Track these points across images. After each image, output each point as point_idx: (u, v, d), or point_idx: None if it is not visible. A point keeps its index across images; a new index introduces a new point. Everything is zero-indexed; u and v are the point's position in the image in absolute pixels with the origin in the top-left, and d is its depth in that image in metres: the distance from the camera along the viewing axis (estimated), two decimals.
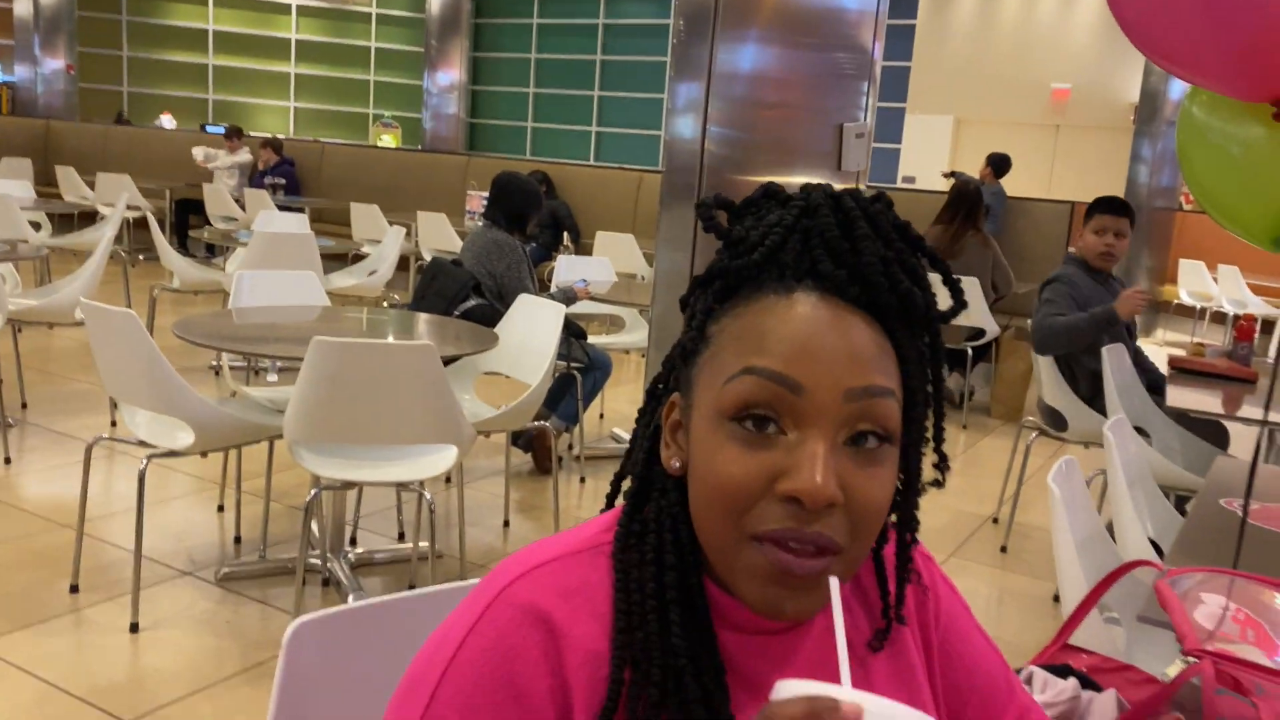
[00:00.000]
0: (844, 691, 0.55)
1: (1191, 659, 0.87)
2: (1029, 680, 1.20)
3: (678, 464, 0.71)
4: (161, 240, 5.24)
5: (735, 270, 0.68)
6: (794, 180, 2.24)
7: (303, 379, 2.37)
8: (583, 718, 0.66)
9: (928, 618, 0.80)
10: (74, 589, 2.79)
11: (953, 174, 8.81)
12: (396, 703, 0.70)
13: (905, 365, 0.67)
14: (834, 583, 0.64)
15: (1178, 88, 8.18)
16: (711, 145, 2.59)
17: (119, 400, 2.74)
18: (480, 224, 4.00)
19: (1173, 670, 0.87)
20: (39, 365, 5.06)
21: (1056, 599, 3.25)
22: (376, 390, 2.37)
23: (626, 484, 0.78)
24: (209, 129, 11.86)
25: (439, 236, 6.58)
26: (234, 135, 9.11)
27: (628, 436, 4.02)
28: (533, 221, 3.98)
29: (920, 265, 0.70)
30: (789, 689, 0.57)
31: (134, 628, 2.62)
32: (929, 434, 0.72)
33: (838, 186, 0.71)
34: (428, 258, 6.50)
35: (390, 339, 2.99)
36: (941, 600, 0.82)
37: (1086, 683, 1.21)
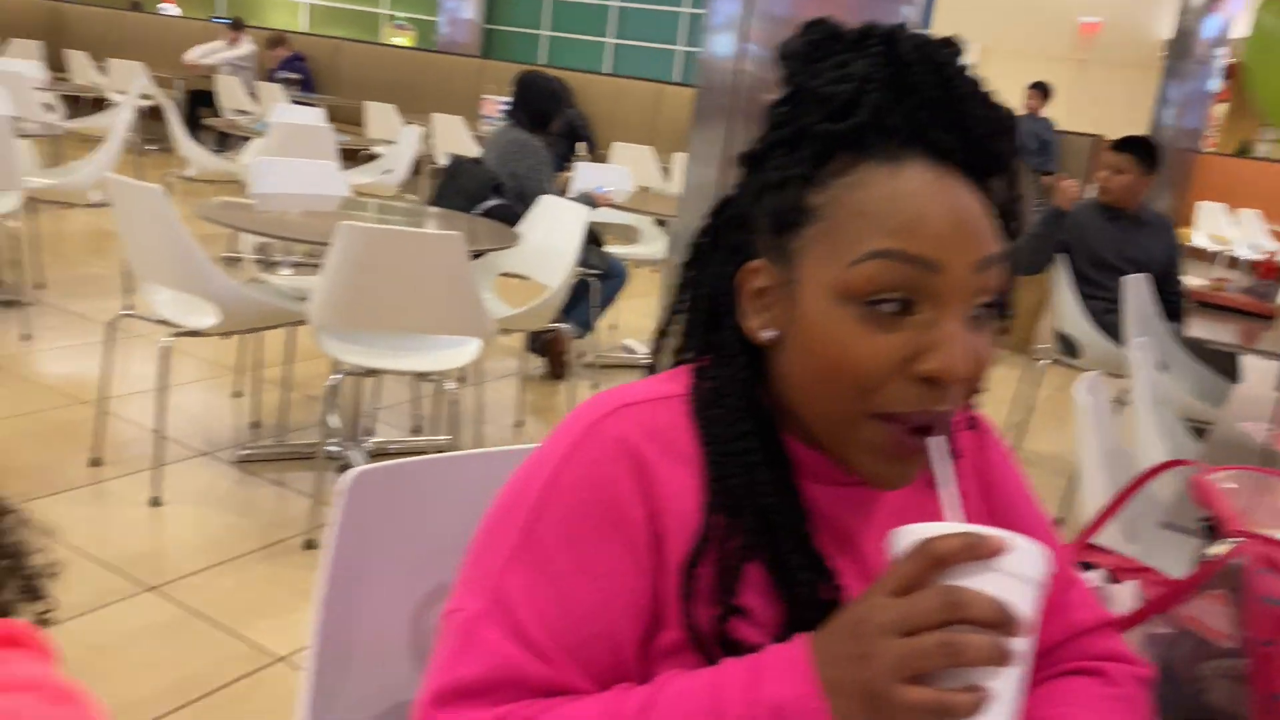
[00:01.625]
0: (974, 527, 0.58)
1: (1234, 541, 0.89)
2: None
3: (770, 333, 0.71)
4: (178, 128, 5.18)
5: (835, 136, 0.66)
6: None
7: (330, 264, 2.37)
8: (673, 552, 0.68)
9: (984, 462, 0.82)
10: (95, 462, 2.83)
11: None
12: (487, 534, 0.71)
13: (1006, 224, 0.68)
14: (938, 441, 0.66)
15: (1211, 26, 8.01)
16: (749, 65, 2.55)
17: (144, 278, 2.74)
18: (501, 124, 3.95)
19: (1215, 551, 0.89)
20: (53, 247, 5.04)
21: (1059, 522, 3.30)
22: (403, 278, 2.37)
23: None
24: (216, 20, 11.62)
25: (455, 139, 6.51)
26: (235, 28, 8.91)
27: (640, 348, 4.06)
28: (555, 122, 3.93)
29: (1012, 119, 0.69)
30: (911, 533, 0.59)
31: (154, 502, 2.66)
32: None
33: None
34: (441, 160, 6.44)
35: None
36: (994, 450, 0.84)
37: (1108, 579, 1.24)
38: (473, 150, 6.09)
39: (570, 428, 0.72)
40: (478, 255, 2.81)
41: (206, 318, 2.66)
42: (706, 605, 0.67)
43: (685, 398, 0.73)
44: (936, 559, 0.58)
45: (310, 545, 2.55)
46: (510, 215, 3.46)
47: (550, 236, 3.22)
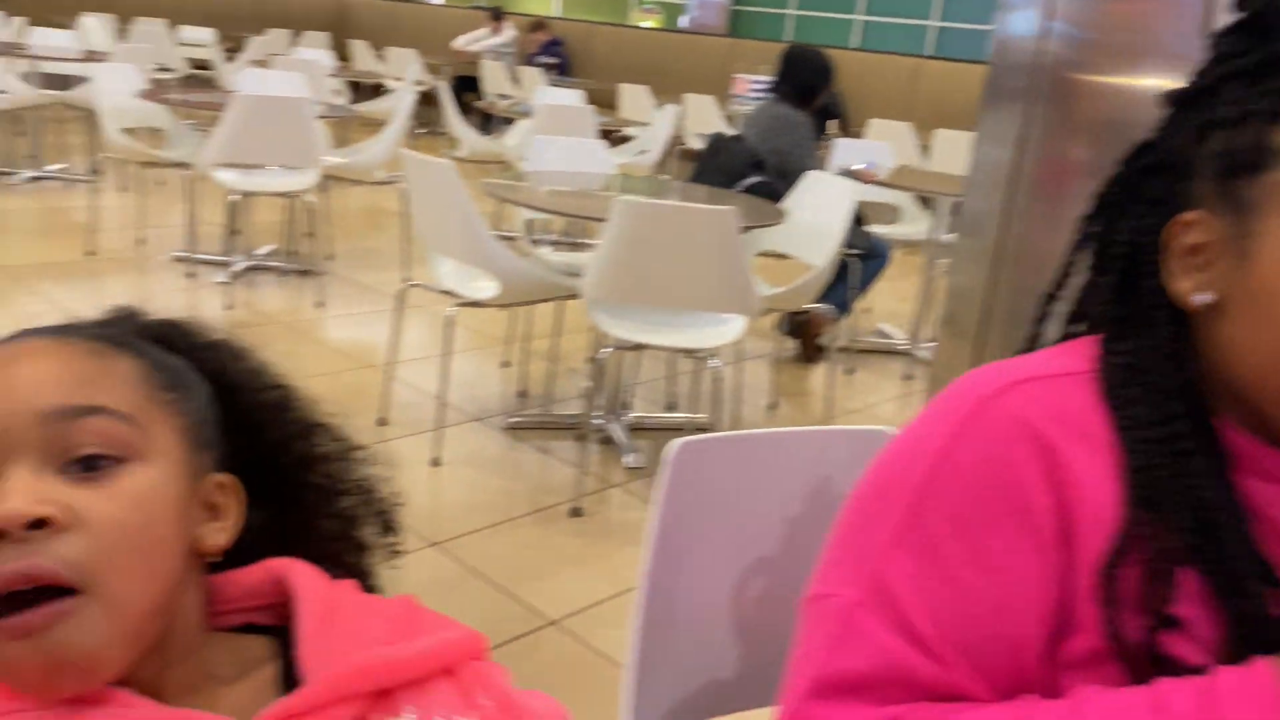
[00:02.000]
0: None
1: None
2: None
3: (1205, 297, 0.61)
4: (451, 110, 5.47)
5: None
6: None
7: (605, 239, 2.40)
8: (1085, 549, 0.60)
9: None
10: (381, 422, 3.03)
11: None
12: (860, 515, 0.66)
13: None
14: None
15: None
16: (1054, 44, 2.36)
17: (431, 249, 2.90)
18: (761, 100, 3.89)
19: None
20: (340, 222, 5.47)
21: None
22: (675, 253, 2.37)
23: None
24: (477, 8, 12.23)
25: (706, 119, 6.52)
26: (496, 16, 9.33)
27: (896, 333, 3.89)
28: (819, 98, 3.83)
29: None
30: None
31: (435, 462, 2.82)
32: None
33: None
34: (692, 141, 6.47)
35: None
36: None
37: None
38: (724, 128, 6.07)
39: (955, 403, 0.65)
40: (744, 232, 2.78)
41: (487, 290, 2.78)
42: (1132, 613, 0.59)
43: (1091, 374, 0.64)
44: None
45: (576, 513, 2.61)
46: (772, 193, 3.40)
47: (817, 213, 3.14)
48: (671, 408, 3.46)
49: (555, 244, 5.05)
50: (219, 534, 0.61)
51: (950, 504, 0.62)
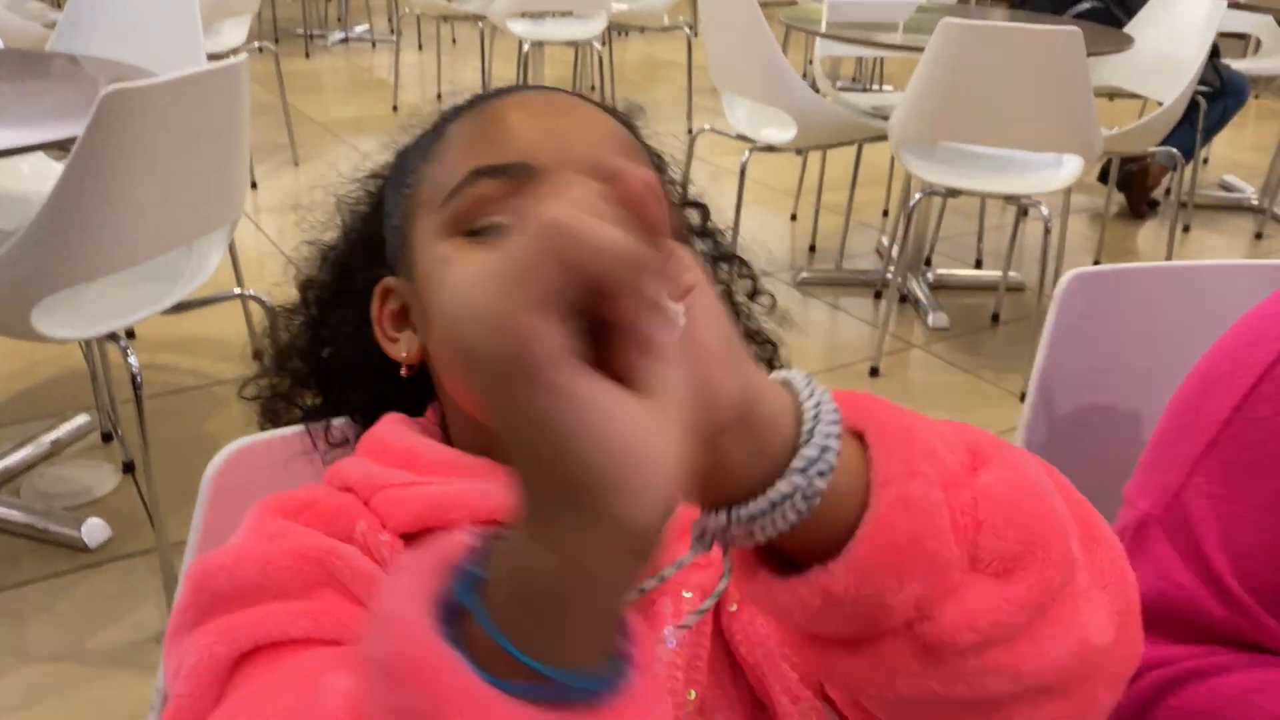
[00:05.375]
0: None
1: None
2: None
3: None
4: None
5: None
6: None
7: (923, 68, 2.15)
8: None
9: None
10: None
11: None
12: (1179, 413, 0.53)
13: None
14: None
15: None
16: None
17: (725, 88, 2.74)
18: None
19: None
20: (620, 75, 5.42)
21: None
22: (1009, 83, 2.09)
23: None
24: None
25: None
26: None
27: (1244, 186, 3.37)
28: None
29: None
30: None
31: None
32: None
33: None
34: None
35: None
36: None
37: None
38: None
39: None
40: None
41: (784, 132, 2.61)
42: None
43: None
44: None
45: (875, 373, 2.46)
46: (1109, 19, 2.95)
47: (1167, 42, 2.69)
48: (979, 265, 3.18)
49: (843, 90, 4.74)
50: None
51: (1277, 420, 0.47)
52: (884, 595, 0.33)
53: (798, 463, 0.33)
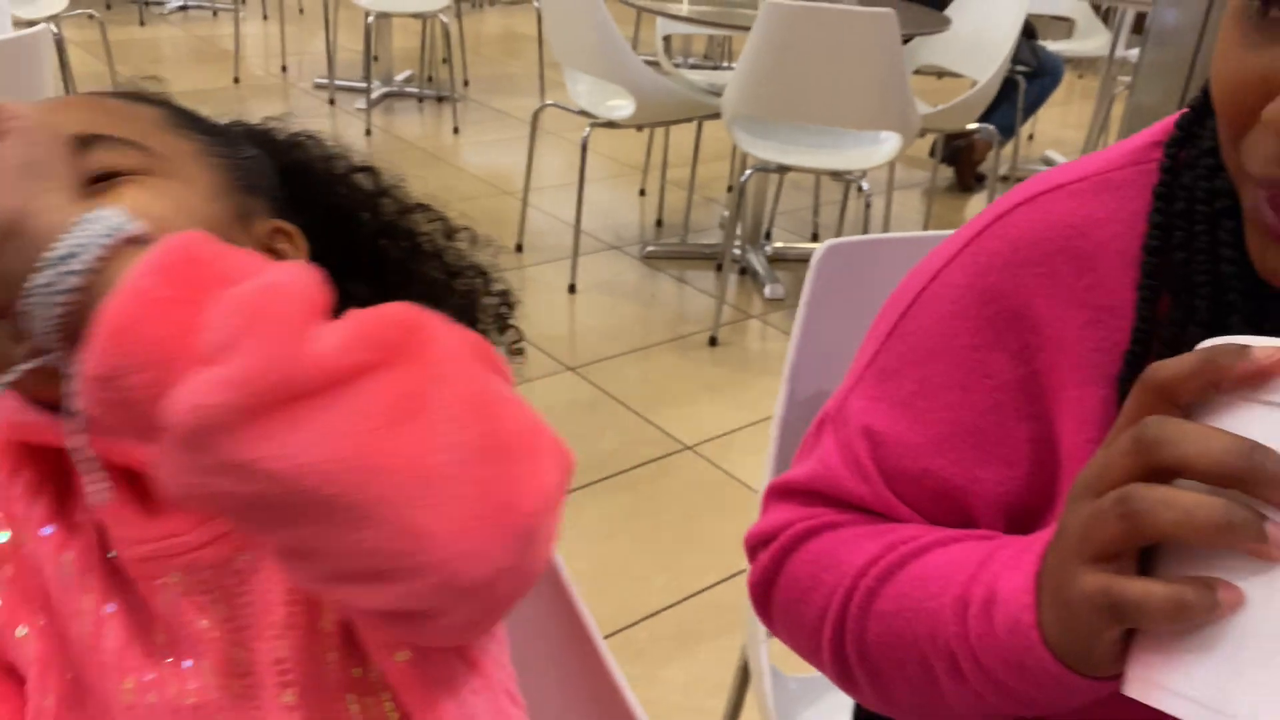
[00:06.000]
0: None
1: None
2: None
3: None
4: None
5: None
6: None
7: (750, 47, 2.23)
8: (1075, 364, 0.53)
9: None
10: (519, 248, 3.00)
11: None
12: (869, 334, 0.63)
13: None
14: None
15: None
16: None
17: (565, 64, 2.77)
18: None
19: None
20: (474, 48, 5.37)
21: None
22: (827, 62, 2.18)
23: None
24: None
25: None
26: None
27: (1061, 159, 3.57)
28: None
29: None
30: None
31: (571, 289, 2.78)
32: None
33: None
34: None
35: None
36: None
37: None
38: None
39: (978, 218, 0.58)
40: (907, 39, 2.54)
41: (623, 108, 2.65)
42: None
43: (1137, 170, 0.54)
44: (1158, 386, 0.39)
45: (713, 342, 2.54)
46: (933, 0, 3.09)
47: (982, 23, 2.84)
48: (815, 239, 3.31)
49: (694, 68, 4.82)
50: None
51: (921, 328, 0.57)
52: (124, 378, 0.37)
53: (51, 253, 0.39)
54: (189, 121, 0.60)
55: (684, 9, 2.77)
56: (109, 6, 5.32)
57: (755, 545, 0.61)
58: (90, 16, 3.64)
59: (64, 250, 0.39)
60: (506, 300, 0.67)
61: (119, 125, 0.54)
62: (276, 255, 0.59)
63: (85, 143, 0.51)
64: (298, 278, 0.40)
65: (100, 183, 0.51)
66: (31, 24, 2.74)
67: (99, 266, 0.39)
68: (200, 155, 0.57)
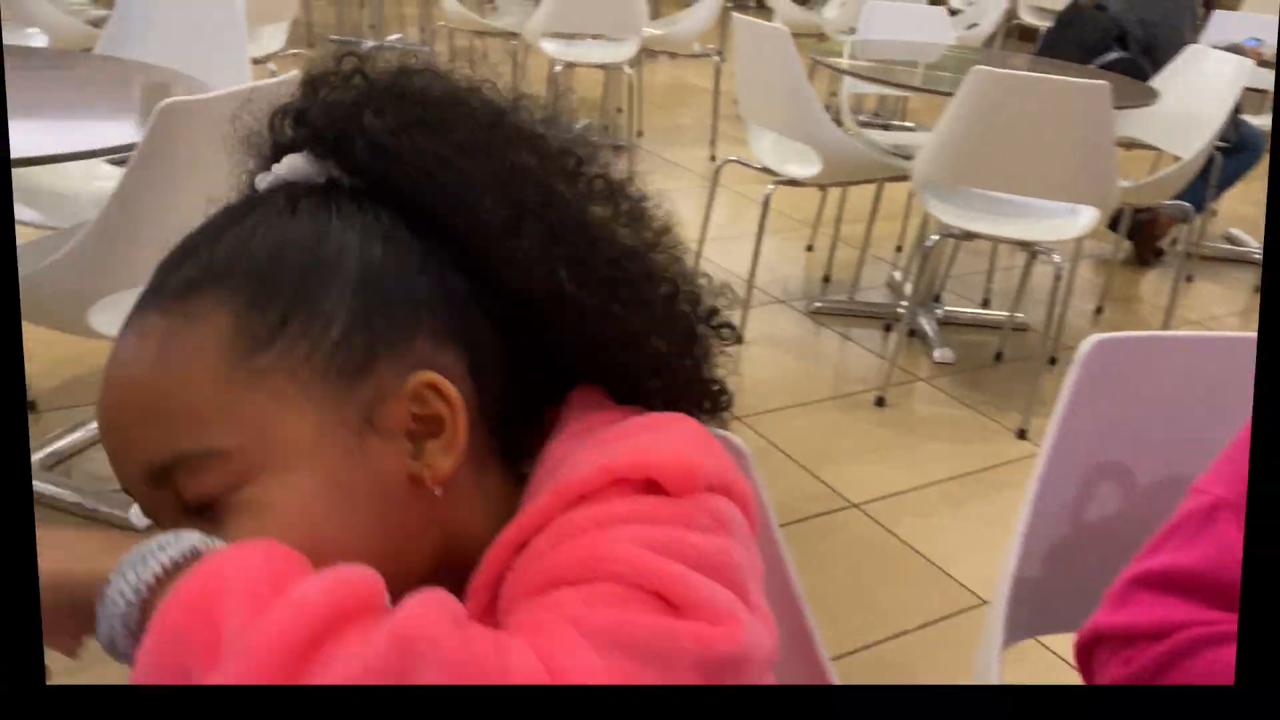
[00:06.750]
0: None
1: None
2: None
3: None
4: None
5: None
6: None
7: (952, 114, 2.21)
8: None
9: None
10: None
11: None
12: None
13: None
14: None
15: None
16: None
17: (752, 120, 2.81)
18: None
19: None
20: (647, 97, 5.50)
21: None
22: (1034, 132, 2.15)
23: None
24: None
25: None
26: None
27: (1248, 239, 3.39)
28: None
29: None
30: None
31: (739, 339, 2.79)
32: None
33: None
34: (1027, 16, 5.91)
35: None
36: None
37: None
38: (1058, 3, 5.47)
39: None
40: None
41: (808, 167, 2.67)
42: None
43: None
44: None
45: (880, 403, 2.51)
46: (1135, 70, 3.01)
47: (1193, 96, 2.75)
48: (986, 304, 3.23)
49: (864, 125, 4.82)
50: (443, 454, 0.47)
51: None
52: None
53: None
54: (276, 305, 0.46)
55: (844, 64, 2.77)
56: (311, 46, 5.69)
57: (1132, 637, 0.58)
58: (298, 56, 3.91)
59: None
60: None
61: (176, 418, 0.44)
62: (428, 425, 0.47)
63: (159, 479, 0.45)
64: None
65: (206, 511, 0.45)
66: (254, 62, 2.95)
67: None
68: (293, 367, 0.45)
